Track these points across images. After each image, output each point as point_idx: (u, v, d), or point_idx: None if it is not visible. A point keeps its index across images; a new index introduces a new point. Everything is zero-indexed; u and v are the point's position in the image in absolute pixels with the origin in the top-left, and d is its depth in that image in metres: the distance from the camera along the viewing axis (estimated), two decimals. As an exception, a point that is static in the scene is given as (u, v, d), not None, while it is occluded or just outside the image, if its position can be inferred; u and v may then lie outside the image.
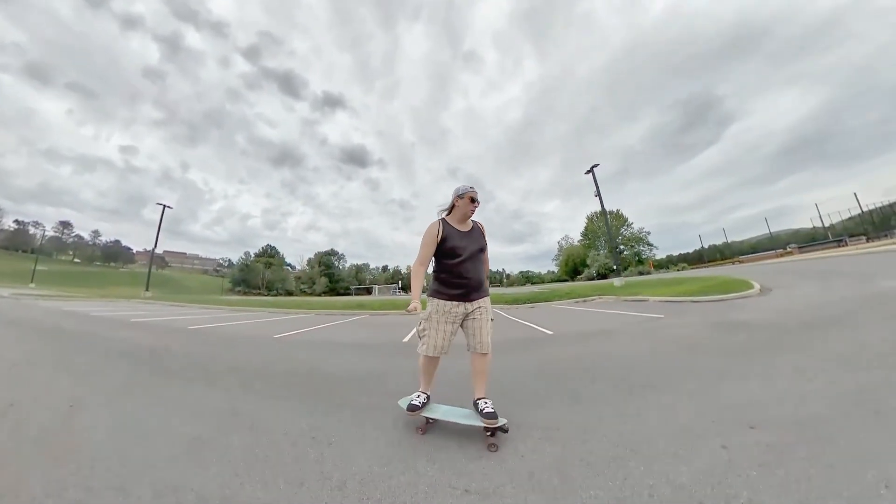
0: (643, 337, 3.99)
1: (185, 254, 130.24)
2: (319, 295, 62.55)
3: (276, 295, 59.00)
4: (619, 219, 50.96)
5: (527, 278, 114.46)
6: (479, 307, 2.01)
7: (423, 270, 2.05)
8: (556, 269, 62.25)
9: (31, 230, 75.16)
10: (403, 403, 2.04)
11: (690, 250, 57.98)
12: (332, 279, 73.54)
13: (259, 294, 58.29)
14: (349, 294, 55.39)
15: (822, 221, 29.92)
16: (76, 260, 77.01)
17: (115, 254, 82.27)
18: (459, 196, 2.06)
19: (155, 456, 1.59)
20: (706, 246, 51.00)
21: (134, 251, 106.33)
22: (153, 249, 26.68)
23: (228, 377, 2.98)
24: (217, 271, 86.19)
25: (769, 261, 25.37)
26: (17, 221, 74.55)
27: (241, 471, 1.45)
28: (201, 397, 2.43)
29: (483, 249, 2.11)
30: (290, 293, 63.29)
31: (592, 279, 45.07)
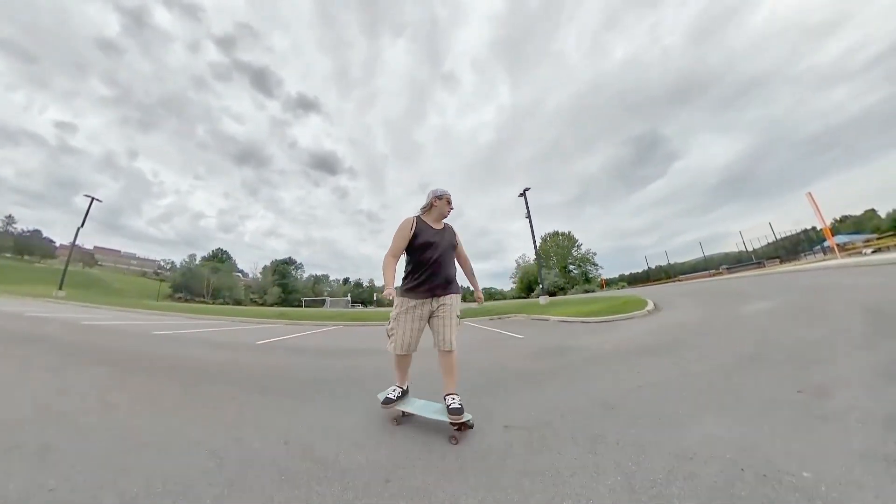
0: (466, 357, 3.87)
1: (119, 252, 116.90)
2: (270, 305, 59.07)
3: (222, 303, 54.85)
4: (570, 240, 54.32)
5: (489, 295, 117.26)
6: (444, 304, 2.05)
7: (393, 262, 2.07)
8: (514, 286, 64.04)
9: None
10: (381, 396, 2.15)
11: (639, 270, 62.78)
12: (287, 289, 69.94)
13: (202, 302, 53.80)
14: (299, 306, 53.16)
15: (745, 246, 35.09)
16: None
17: (31, 246, 71.99)
18: (438, 197, 2.20)
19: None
20: (653, 266, 55.71)
21: (57, 244, 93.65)
22: (72, 243, 24.16)
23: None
24: (157, 274, 78.35)
25: (701, 279, 28.50)
26: None
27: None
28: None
29: (455, 247, 2.24)
30: (238, 302, 59.11)
31: (547, 296, 48.40)
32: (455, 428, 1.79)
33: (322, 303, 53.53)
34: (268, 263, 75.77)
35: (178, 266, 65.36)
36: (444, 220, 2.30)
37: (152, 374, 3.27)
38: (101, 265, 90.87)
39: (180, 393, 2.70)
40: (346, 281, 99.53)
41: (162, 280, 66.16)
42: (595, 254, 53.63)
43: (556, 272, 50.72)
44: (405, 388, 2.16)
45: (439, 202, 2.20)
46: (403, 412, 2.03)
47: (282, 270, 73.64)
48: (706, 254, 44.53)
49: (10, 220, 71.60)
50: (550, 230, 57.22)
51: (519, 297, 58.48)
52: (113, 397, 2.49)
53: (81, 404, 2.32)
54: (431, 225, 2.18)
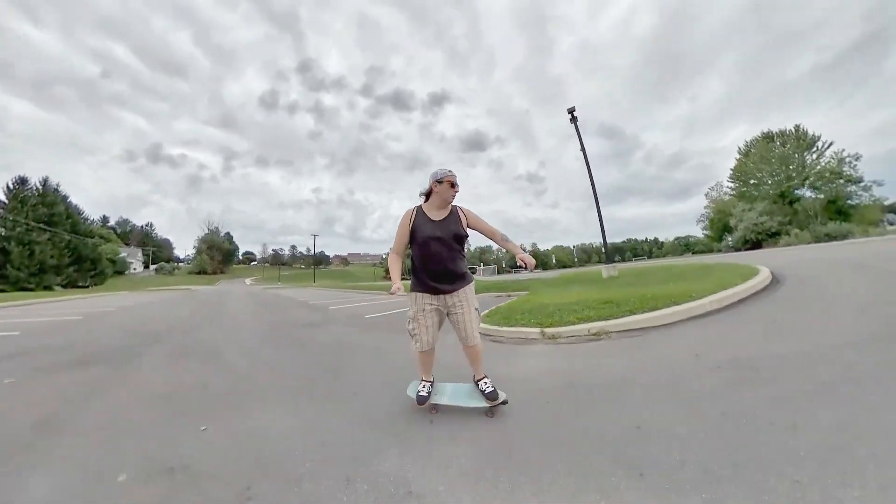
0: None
1: (360, 254, 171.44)
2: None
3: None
4: (800, 141, 31.98)
5: (685, 247, 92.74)
6: (459, 301, 1.97)
7: (397, 259, 2.08)
8: (706, 233, 45.58)
9: (282, 251, 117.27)
10: (411, 392, 2.13)
11: None
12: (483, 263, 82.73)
13: (405, 278, 72.84)
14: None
15: None
16: (301, 266, 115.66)
17: (320, 260, 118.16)
18: (438, 181, 1.98)
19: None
20: None
21: (331, 256, 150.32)
22: (313, 255, 38.94)
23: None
24: (376, 265, 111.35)
25: None
26: (273, 249, 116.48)
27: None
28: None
29: (459, 237, 2.00)
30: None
31: (738, 250, 31.22)
32: (491, 407, 1.93)
33: (473, 271, 61.65)
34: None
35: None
36: (453, 204, 2.06)
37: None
38: (352, 264, 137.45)
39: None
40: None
41: (380, 267, 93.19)
42: (858, 157, 28.85)
43: (762, 208, 31.29)
44: (432, 380, 2.13)
45: (440, 187, 1.99)
46: (436, 406, 2.06)
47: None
48: None
49: (294, 248, 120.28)
50: (761, 131, 35.41)
51: (708, 250, 41.47)
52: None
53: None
54: (432, 216, 2.01)
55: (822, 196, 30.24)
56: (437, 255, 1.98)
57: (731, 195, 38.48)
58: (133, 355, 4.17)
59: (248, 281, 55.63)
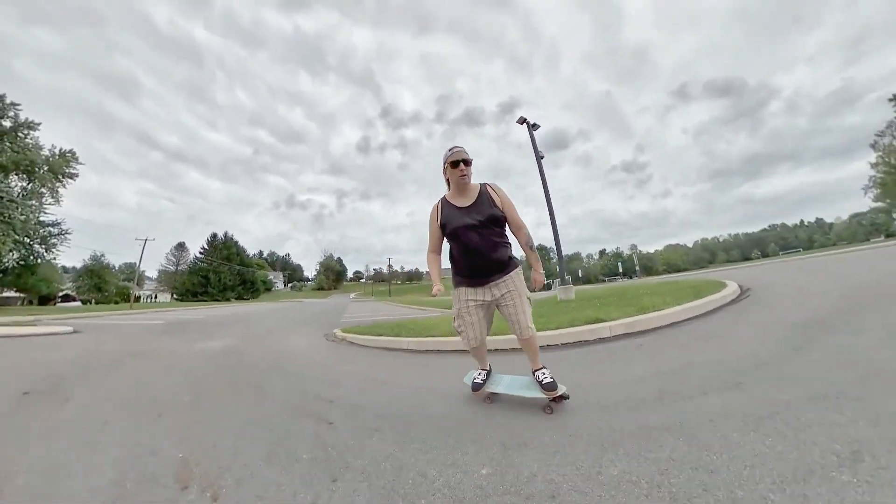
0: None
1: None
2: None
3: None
4: None
5: (872, 226, 64.11)
6: (508, 292, 1.78)
7: (434, 257, 1.94)
8: (875, 197, 30.53)
9: (380, 270, 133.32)
10: (468, 380, 2.08)
11: None
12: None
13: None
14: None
15: None
16: (398, 282, 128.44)
17: (413, 276, 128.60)
18: (444, 168, 1.83)
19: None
20: None
21: (424, 272, 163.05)
22: (389, 271, 42.47)
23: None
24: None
25: None
26: (374, 269, 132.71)
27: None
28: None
29: (496, 218, 1.76)
30: (508, 291, 75.12)
31: None
32: (550, 400, 1.75)
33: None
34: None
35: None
36: (481, 182, 1.85)
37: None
38: (445, 277, 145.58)
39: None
40: (602, 253, 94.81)
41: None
42: None
43: None
44: (489, 368, 2.06)
45: (447, 172, 1.81)
46: (491, 393, 1.99)
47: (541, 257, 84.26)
48: None
49: (402, 268, 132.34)
50: None
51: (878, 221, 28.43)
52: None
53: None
54: (458, 203, 1.81)
55: None
56: (472, 244, 1.77)
57: None
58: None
59: (352, 295, 65.17)
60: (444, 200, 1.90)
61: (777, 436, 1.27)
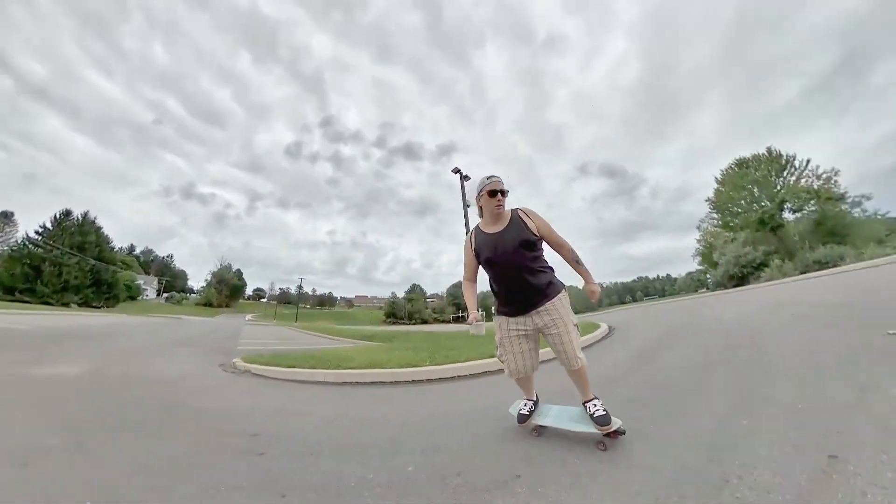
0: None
1: (367, 296, 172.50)
2: (448, 321, 71.26)
3: (415, 323, 71.42)
4: (774, 163, 30.23)
5: (699, 282, 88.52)
6: (552, 319, 1.71)
7: (469, 285, 1.96)
8: (699, 265, 43.66)
9: (288, 290, 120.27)
10: (513, 411, 1.99)
11: None
12: (460, 306, 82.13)
13: (402, 322, 72.08)
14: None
15: None
16: (306, 306, 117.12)
17: (324, 300, 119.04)
18: (479, 195, 1.80)
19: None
20: None
21: (338, 298, 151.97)
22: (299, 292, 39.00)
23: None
24: (381, 308, 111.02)
25: None
26: (280, 288, 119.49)
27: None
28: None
29: (528, 241, 1.73)
30: (424, 321, 74.97)
31: (723, 287, 28.59)
32: (604, 434, 1.64)
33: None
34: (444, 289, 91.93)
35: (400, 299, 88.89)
36: (512, 208, 1.85)
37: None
38: (357, 306, 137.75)
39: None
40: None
41: (381, 308, 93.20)
42: (837, 172, 26.94)
43: (744, 237, 28.89)
44: (535, 399, 1.98)
45: (482, 201, 1.81)
46: (539, 426, 1.89)
47: (455, 293, 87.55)
48: None
49: (314, 290, 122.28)
50: (741, 154, 33.69)
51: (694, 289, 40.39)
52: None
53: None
54: (490, 231, 1.82)
55: (803, 218, 28.45)
56: (507, 271, 1.76)
57: (716, 227, 36.42)
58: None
59: (248, 316, 56.04)
60: (477, 229, 1.90)
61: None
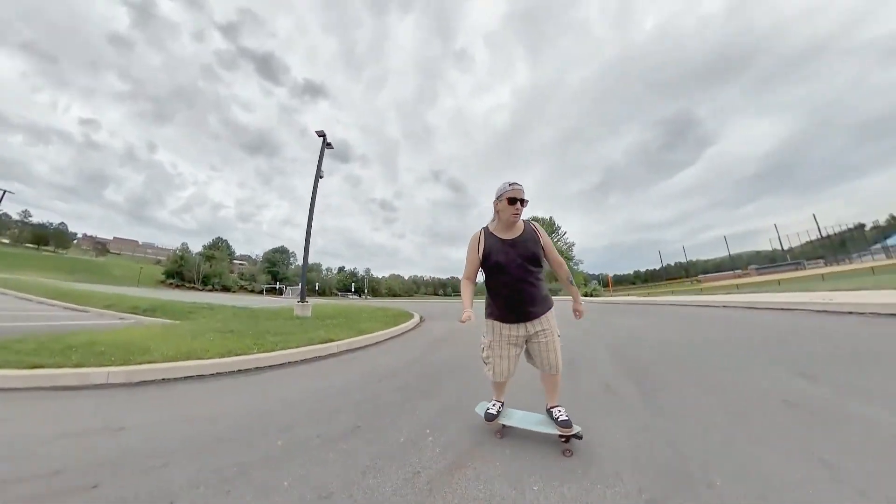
0: None
1: (137, 242, 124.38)
2: (258, 293, 61.73)
3: (211, 290, 57.75)
4: (549, 227, 47.95)
5: None
6: (542, 329, 1.83)
7: (468, 284, 1.94)
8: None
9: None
10: (480, 410, 2.08)
11: (657, 267, 59.67)
12: (277, 276, 72.80)
13: (192, 288, 56.73)
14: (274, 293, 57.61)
15: (780, 243, 30.28)
16: (4, 241, 72.32)
17: (48, 236, 77.57)
18: (498, 199, 1.82)
19: None
20: (672, 263, 53.08)
21: (79, 235, 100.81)
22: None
23: None
24: (158, 262, 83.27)
25: (723, 282, 25.83)
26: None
27: None
28: None
29: (538, 257, 1.83)
30: (226, 288, 61.95)
31: None
32: (563, 440, 1.78)
33: (281, 291, 56.61)
34: (260, 253, 79.44)
35: (194, 254, 67.90)
36: (524, 220, 1.89)
37: None
38: (114, 253, 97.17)
39: None
40: (340, 269, 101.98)
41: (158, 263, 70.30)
42: (573, 244, 49.43)
43: None
44: (503, 401, 2.08)
45: (500, 205, 1.81)
46: (504, 425, 2.02)
47: (273, 259, 76.64)
48: (734, 251, 40.15)
49: (26, 213, 77.65)
50: (537, 215, 52.26)
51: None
52: None
53: None
54: (503, 236, 1.84)
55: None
56: (513, 280, 1.80)
57: None
58: None
59: None
60: (487, 231, 1.89)
61: (394, 402, 2.84)
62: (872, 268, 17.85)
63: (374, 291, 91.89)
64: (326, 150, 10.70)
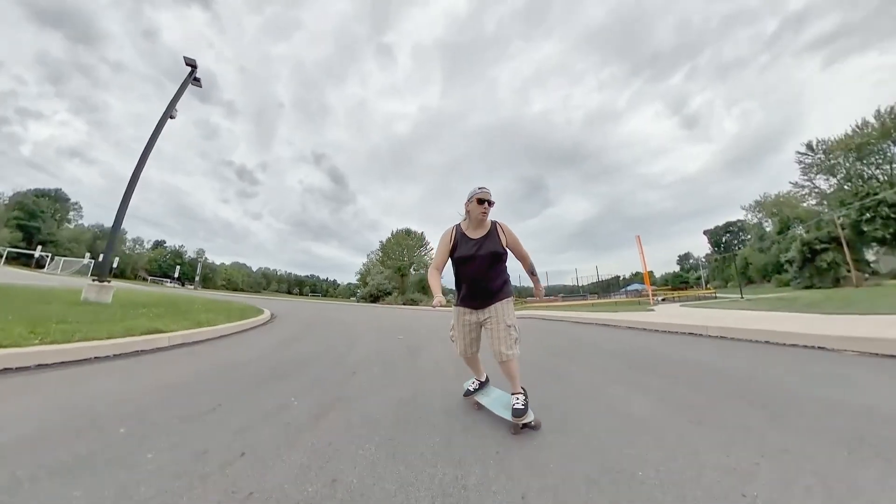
0: None
1: None
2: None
3: None
4: (419, 240, 53.18)
5: (352, 293, 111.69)
6: (490, 316, 2.05)
7: (436, 274, 2.12)
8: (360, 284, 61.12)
9: None
10: (465, 386, 2.42)
11: None
12: (35, 237, 49.25)
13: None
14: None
15: (577, 281, 43.20)
16: None
17: None
18: (469, 200, 2.08)
19: None
20: None
21: None
22: None
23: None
24: None
25: (540, 303, 32.72)
26: None
27: None
28: None
29: (498, 254, 2.07)
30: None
31: (365, 300, 46.45)
32: (520, 427, 1.86)
33: (41, 264, 39.76)
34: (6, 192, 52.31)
35: None
36: (492, 220, 2.16)
37: None
38: None
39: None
40: (159, 245, 78.00)
41: None
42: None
43: (387, 273, 47.90)
44: (483, 379, 2.36)
45: (470, 206, 2.08)
46: (479, 402, 2.23)
47: (31, 207, 51.31)
48: (551, 283, 52.27)
49: None
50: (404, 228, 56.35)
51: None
52: None
53: None
54: (470, 234, 2.11)
55: (416, 275, 50.83)
56: (474, 273, 2.07)
57: (377, 260, 55.39)
58: None
59: None
60: (458, 228, 2.15)
61: (240, 394, 2.89)
62: (616, 301, 29.05)
63: (208, 281, 74.35)
64: (190, 86, 8.53)
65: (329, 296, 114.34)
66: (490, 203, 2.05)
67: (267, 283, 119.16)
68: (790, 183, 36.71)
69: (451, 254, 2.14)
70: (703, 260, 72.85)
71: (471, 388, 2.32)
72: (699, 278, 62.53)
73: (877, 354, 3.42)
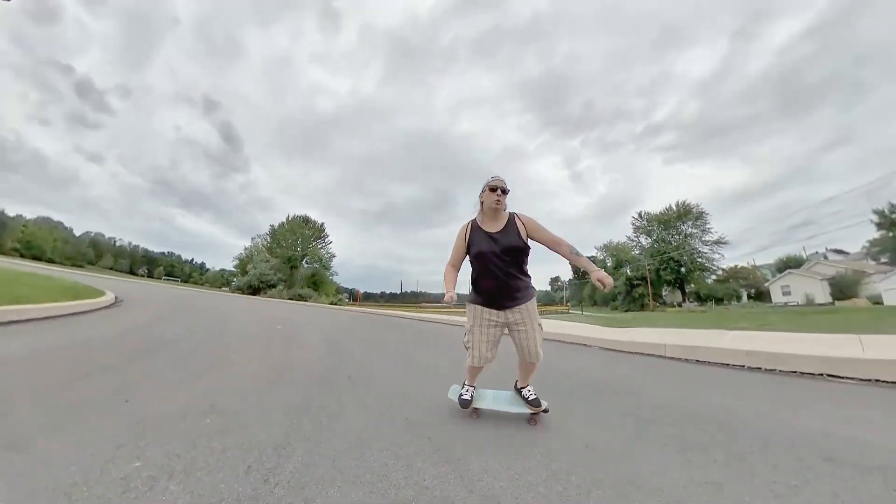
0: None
1: None
2: None
3: None
4: (318, 231, 49.22)
5: (227, 283, 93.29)
6: (522, 317, 1.91)
7: (452, 271, 2.08)
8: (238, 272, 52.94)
9: None
10: (453, 395, 2.15)
11: (397, 291, 68.73)
12: None
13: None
14: None
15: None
16: None
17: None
18: (482, 190, 1.96)
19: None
20: (408, 291, 61.29)
21: None
22: None
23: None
24: None
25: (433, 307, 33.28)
26: None
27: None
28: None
29: (519, 249, 1.90)
30: None
31: (241, 291, 40.99)
32: (532, 414, 1.96)
33: None
34: None
35: None
36: (510, 212, 2.00)
37: None
38: None
39: None
40: None
41: None
42: (334, 256, 49.41)
43: (273, 263, 41.57)
44: (475, 386, 2.15)
45: (484, 195, 1.95)
46: (477, 409, 2.10)
47: None
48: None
49: None
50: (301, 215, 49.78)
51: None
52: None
53: None
54: (487, 228, 1.96)
55: (310, 268, 47.16)
56: (493, 270, 1.90)
57: (265, 246, 48.46)
58: None
59: None
60: (474, 223, 2.01)
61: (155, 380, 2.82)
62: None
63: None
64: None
65: (193, 282, 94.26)
66: (504, 191, 1.91)
67: (98, 255, 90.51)
68: (626, 236, 49.18)
69: (468, 250, 2.00)
70: (567, 283, 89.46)
71: (468, 397, 2.04)
72: (562, 298, 76.35)
73: (641, 354, 4.74)
